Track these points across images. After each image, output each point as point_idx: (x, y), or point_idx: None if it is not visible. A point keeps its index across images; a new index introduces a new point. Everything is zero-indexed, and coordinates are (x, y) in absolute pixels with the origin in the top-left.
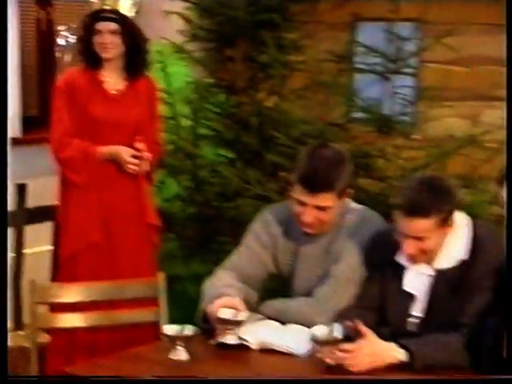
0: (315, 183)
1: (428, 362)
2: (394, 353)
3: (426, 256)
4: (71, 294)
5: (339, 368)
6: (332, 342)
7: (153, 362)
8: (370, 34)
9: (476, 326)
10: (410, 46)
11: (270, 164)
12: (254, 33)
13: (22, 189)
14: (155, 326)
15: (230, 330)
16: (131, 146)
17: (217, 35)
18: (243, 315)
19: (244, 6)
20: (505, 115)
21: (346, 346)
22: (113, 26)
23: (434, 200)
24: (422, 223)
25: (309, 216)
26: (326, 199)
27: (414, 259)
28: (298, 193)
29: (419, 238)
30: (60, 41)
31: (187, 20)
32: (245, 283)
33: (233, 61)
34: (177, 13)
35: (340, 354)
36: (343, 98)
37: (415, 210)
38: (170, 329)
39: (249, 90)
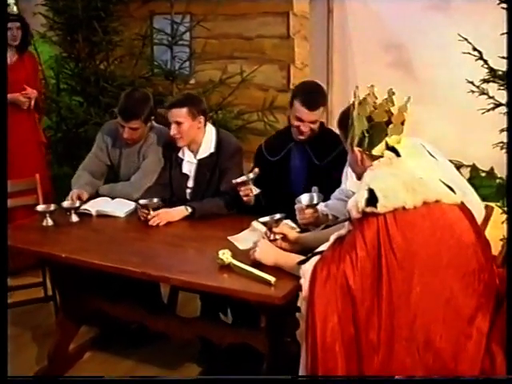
0: (127, 114)
1: (204, 213)
2: (184, 210)
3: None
4: None
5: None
6: (150, 207)
7: (32, 227)
8: (160, 22)
9: (232, 191)
10: (183, 28)
11: (105, 104)
12: (89, 23)
13: None
14: (34, 207)
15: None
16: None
17: (66, 26)
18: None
19: (81, 7)
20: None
21: (156, 212)
22: (18, 24)
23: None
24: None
25: (126, 134)
26: (135, 124)
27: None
28: (119, 120)
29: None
30: None
31: (47, 17)
32: (93, 176)
33: (77, 41)
34: (40, 13)
35: (153, 214)
36: (146, 61)
37: None
38: (40, 207)
39: (88, 59)
